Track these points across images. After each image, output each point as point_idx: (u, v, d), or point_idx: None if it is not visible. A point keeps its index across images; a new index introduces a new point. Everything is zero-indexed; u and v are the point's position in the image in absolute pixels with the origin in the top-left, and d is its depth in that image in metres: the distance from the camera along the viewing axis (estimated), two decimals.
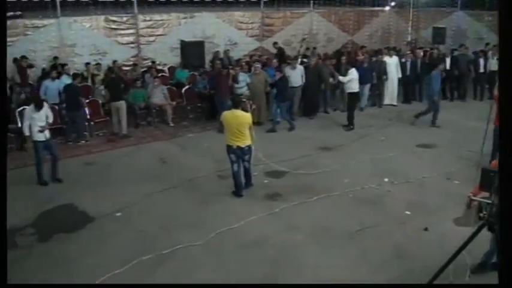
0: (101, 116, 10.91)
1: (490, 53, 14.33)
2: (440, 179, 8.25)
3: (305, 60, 12.85)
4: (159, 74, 12.82)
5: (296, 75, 11.81)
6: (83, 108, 10.21)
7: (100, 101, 10.96)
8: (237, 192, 7.46)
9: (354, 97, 11.43)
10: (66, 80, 10.63)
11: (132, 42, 14.05)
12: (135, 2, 13.80)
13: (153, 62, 13.85)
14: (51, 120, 8.18)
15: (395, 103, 13.50)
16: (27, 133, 7.96)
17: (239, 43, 15.91)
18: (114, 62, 12.96)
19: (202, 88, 11.72)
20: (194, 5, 15.72)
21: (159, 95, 11.34)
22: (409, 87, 13.93)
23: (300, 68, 11.95)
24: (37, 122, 7.83)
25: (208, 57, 13.74)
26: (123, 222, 6.72)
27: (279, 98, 10.97)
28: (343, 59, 13.24)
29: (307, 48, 15.65)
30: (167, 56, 14.61)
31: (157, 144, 10.24)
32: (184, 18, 14.79)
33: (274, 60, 12.87)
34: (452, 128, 11.13)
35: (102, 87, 11.17)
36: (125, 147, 10.02)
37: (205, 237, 6.19)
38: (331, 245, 6.12)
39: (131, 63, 13.86)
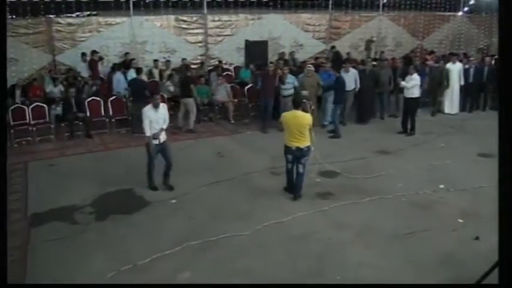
0: None
1: None
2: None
3: (374, 63, 12.70)
4: (224, 73, 13.24)
5: (349, 79, 11.48)
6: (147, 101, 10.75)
7: (166, 96, 11.49)
8: (289, 189, 7.56)
9: (415, 102, 11.09)
10: (133, 74, 11.28)
11: (200, 42, 14.66)
12: (205, 2, 14.35)
13: (220, 62, 14.31)
14: (166, 125, 7.59)
15: (453, 112, 12.97)
16: (148, 133, 7.37)
17: (305, 45, 16.03)
18: (183, 59, 13.54)
19: None
20: (263, 7, 16.03)
21: (222, 92, 11.73)
22: (471, 95, 13.28)
23: (353, 72, 11.68)
24: (154, 124, 7.38)
25: (273, 58, 13.99)
26: (176, 209, 7.09)
27: (333, 100, 10.84)
28: (398, 62, 12.89)
29: (376, 52, 15.50)
30: (233, 56, 15.06)
31: (216, 139, 10.63)
32: (252, 19, 15.18)
33: (328, 65, 12.36)
34: None
35: (168, 82, 11.72)
36: (186, 140, 10.48)
37: (252, 229, 6.38)
38: (377, 245, 6.09)
39: (199, 61, 14.40)
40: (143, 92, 10.52)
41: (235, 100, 11.85)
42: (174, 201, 7.34)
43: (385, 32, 17.67)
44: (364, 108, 12.01)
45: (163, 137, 7.53)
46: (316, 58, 15.13)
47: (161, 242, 5.98)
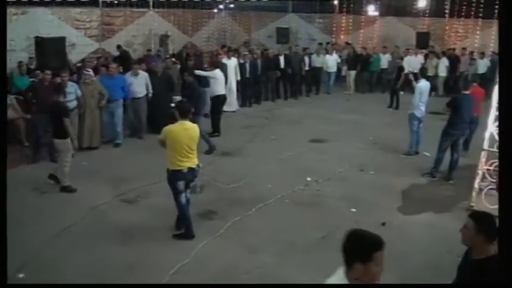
0: None
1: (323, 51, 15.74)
2: (356, 172, 8.21)
3: (174, 60, 11.52)
4: None
5: (139, 84, 9.79)
6: None
7: None
8: (189, 233, 5.71)
9: (220, 100, 10.46)
10: None
11: None
12: None
13: None
14: None
15: (232, 109, 12.26)
16: None
17: (77, 44, 13.62)
18: None
19: None
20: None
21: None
22: (250, 90, 13.32)
23: (143, 75, 9.91)
24: None
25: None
26: (36, 281, 4.73)
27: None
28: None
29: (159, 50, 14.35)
30: None
31: (19, 171, 7.68)
32: (15, 14, 11.95)
33: (114, 65, 10.08)
34: (328, 123, 11.32)
35: None
36: None
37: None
38: (307, 259, 5.35)
39: None
40: None
41: (28, 116, 8.77)
42: (22, 275, 4.87)
43: (158, 28, 16.66)
44: (159, 116, 10.05)
45: None
46: (98, 58, 13.02)
47: None
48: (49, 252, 5.31)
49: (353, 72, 15.73)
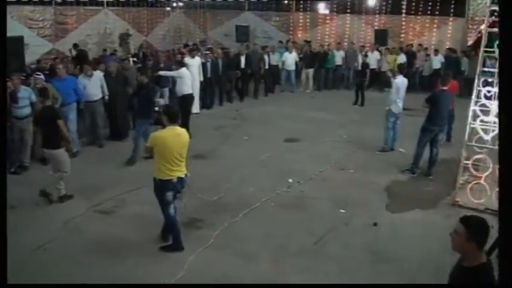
0: None
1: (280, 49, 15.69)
2: (336, 171, 8.13)
3: (136, 60, 10.99)
4: None
5: (93, 86, 9.04)
6: None
7: None
8: (178, 244, 5.36)
9: (187, 100, 10.01)
10: None
11: None
12: None
13: None
14: None
15: (194, 111, 11.11)
16: None
17: (30, 44, 12.73)
18: None
19: None
20: None
21: None
22: (211, 90, 12.74)
23: (97, 76, 9.18)
24: None
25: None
26: None
27: (139, 114, 8.43)
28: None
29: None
30: None
31: None
32: None
33: (60, 66, 9.10)
34: (298, 121, 11.21)
35: None
36: None
37: None
38: (303, 265, 5.17)
39: None
40: None
41: None
42: None
43: (113, 27, 16.01)
44: (117, 121, 9.71)
45: None
46: (54, 59, 12.28)
47: None
48: (25, 273, 4.82)
49: (311, 70, 15.68)
